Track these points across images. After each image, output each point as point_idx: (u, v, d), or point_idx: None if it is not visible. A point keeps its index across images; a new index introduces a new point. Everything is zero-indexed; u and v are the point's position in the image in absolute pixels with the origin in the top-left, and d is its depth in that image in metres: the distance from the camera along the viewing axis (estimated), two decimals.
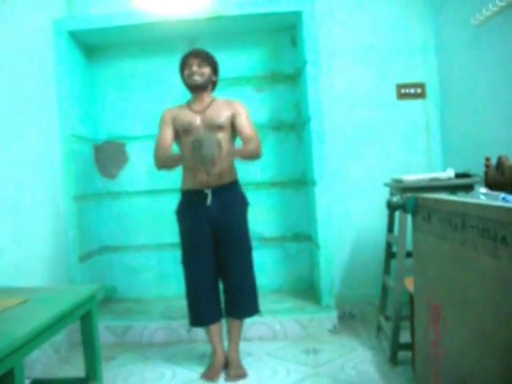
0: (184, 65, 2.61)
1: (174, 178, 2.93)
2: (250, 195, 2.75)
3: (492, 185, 2.23)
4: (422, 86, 3.33)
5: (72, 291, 2.00)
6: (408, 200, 1.90)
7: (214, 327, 2.63)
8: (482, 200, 1.62)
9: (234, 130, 2.58)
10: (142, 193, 3.64)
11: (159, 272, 3.64)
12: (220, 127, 2.52)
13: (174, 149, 2.63)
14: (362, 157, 3.36)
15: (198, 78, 2.55)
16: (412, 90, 3.33)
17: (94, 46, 3.58)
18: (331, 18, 3.34)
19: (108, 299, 3.60)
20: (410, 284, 2.27)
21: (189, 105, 2.63)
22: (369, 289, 3.30)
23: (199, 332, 2.97)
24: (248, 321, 2.78)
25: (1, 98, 2.51)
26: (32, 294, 1.88)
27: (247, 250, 2.63)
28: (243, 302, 2.61)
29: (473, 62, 2.78)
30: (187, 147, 2.49)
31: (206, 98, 2.62)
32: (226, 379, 2.53)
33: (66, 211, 3.14)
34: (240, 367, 2.59)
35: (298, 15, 3.20)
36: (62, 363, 2.84)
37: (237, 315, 2.63)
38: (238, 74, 3.56)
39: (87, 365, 1.96)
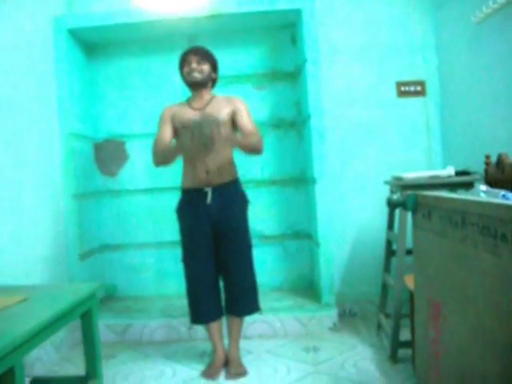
0: (183, 62, 2.60)
1: (174, 176, 2.94)
2: (250, 193, 2.75)
3: (492, 182, 2.23)
4: (421, 83, 3.33)
5: (72, 289, 2.00)
6: (408, 198, 1.90)
7: (214, 325, 2.63)
8: (482, 197, 1.62)
9: (234, 126, 2.57)
10: (142, 191, 3.64)
11: (159, 270, 3.64)
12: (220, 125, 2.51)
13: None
14: (362, 155, 3.36)
15: (197, 75, 2.54)
16: (412, 88, 3.33)
17: (93, 44, 3.57)
18: (331, 15, 3.34)
19: (108, 297, 3.60)
20: (410, 282, 2.27)
21: (188, 102, 2.63)
22: (369, 286, 3.30)
23: (199, 330, 2.97)
24: (248, 319, 2.78)
25: (0, 97, 2.50)
26: (32, 293, 1.88)
27: (247, 247, 2.63)
28: (243, 300, 2.61)
29: (473, 60, 2.78)
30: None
31: (206, 95, 2.61)
32: (226, 377, 2.53)
33: (65, 209, 3.13)
34: (240, 365, 2.60)
35: (297, 13, 3.20)
36: (63, 361, 2.84)
37: (237, 313, 2.63)
38: (237, 72, 3.56)
39: (87, 363, 1.96)
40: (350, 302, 3.35)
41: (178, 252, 2.72)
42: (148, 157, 2.58)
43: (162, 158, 2.54)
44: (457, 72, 3.04)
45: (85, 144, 3.47)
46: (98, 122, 3.66)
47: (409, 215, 2.19)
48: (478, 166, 2.47)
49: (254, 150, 2.51)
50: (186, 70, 2.57)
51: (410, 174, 2.55)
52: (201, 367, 2.66)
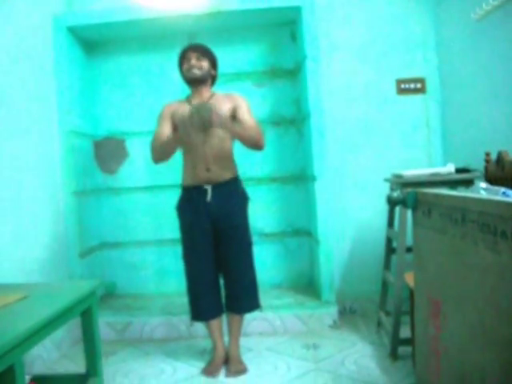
0: (183, 59, 2.60)
1: (174, 173, 2.94)
2: (250, 190, 2.74)
3: (492, 179, 2.23)
4: (421, 80, 3.32)
5: (72, 287, 2.00)
6: (408, 195, 1.89)
7: (214, 322, 2.63)
8: (482, 195, 1.62)
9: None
10: (142, 189, 3.63)
11: (159, 268, 3.64)
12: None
13: None
14: (362, 152, 3.35)
15: (196, 72, 2.53)
16: (412, 85, 3.32)
17: (93, 42, 3.57)
18: (331, 13, 3.33)
19: (108, 295, 3.61)
20: (410, 279, 2.27)
21: (188, 100, 2.62)
22: (369, 284, 3.30)
23: (199, 327, 2.97)
24: (248, 316, 2.78)
25: (0, 95, 2.50)
26: (32, 290, 1.88)
27: (247, 245, 2.63)
28: (243, 298, 2.61)
29: (473, 57, 2.78)
30: (186, 143, 2.51)
31: (206, 92, 2.60)
32: (227, 375, 2.53)
33: (65, 207, 3.13)
34: (240, 362, 2.60)
35: (297, 10, 3.19)
36: (63, 359, 2.84)
37: (237, 310, 2.63)
38: (237, 70, 3.55)
39: (87, 361, 1.96)
40: (350, 300, 3.35)
41: (178, 250, 2.72)
42: (148, 154, 2.57)
43: (160, 151, 2.50)
44: (457, 69, 3.04)
45: (84, 141, 3.47)
46: (97, 120, 3.65)
47: (409, 213, 2.19)
48: (478, 164, 2.47)
49: (254, 143, 2.48)
50: (185, 66, 2.56)
51: (410, 172, 2.55)
52: (201, 365, 2.66)
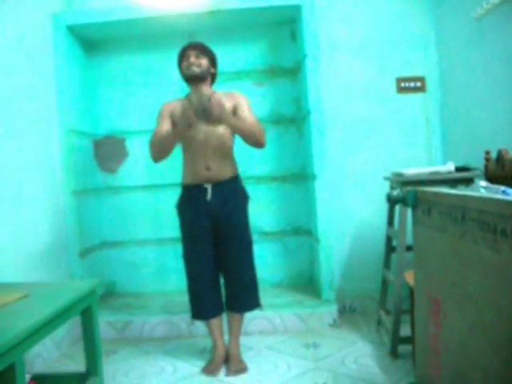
0: (182, 57, 2.59)
1: (174, 172, 2.94)
2: (251, 189, 2.74)
3: (492, 178, 2.23)
4: (421, 79, 3.32)
5: (72, 286, 2.00)
6: (408, 194, 1.89)
7: (214, 321, 2.63)
8: (482, 193, 1.62)
9: None
10: (142, 187, 3.64)
11: (159, 267, 3.64)
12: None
13: None
14: (362, 151, 3.35)
15: (195, 69, 2.52)
16: (412, 84, 3.32)
17: (93, 41, 3.57)
18: (331, 11, 3.32)
19: (108, 294, 3.61)
20: (410, 278, 2.27)
21: (188, 98, 2.61)
22: (369, 283, 3.30)
23: (200, 326, 2.97)
24: (248, 315, 2.79)
25: (0, 94, 2.50)
26: (32, 289, 1.88)
27: (248, 244, 2.63)
28: (244, 296, 2.61)
29: (473, 56, 2.77)
30: (187, 140, 2.50)
31: (205, 90, 2.60)
32: (227, 373, 2.53)
33: (65, 206, 3.13)
34: (240, 361, 2.60)
35: (297, 9, 3.19)
36: (64, 358, 2.84)
37: (237, 309, 2.63)
38: (237, 68, 3.55)
39: (88, 359, 1.96)
40: (349, 298, 3.35)
41: (178, 248, 2.73)
42: (148, 153, 2.56)
43: (159, 147, 2.47)
44: (457, 68, 3.03)
45: (84, 141, 3.47)
46: (97, 119, 3.65)
47: (409, 211, 2.19)
48: (478, 162, 2.47)
49: (256, 140, 2.47)
50: (184, 64, 2.55)
51: (410, 170, 2.55)
52: (201, 363, 2.66)
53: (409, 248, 2.42)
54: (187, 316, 2.77)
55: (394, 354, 2.55)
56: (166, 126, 2.52)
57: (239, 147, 2.65)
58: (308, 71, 3.15)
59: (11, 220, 2.51)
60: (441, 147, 3.32)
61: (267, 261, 3.54)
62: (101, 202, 3.65)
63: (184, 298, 2.75)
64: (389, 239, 2.93)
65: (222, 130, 2.51)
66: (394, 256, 2.78)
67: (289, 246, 3.60)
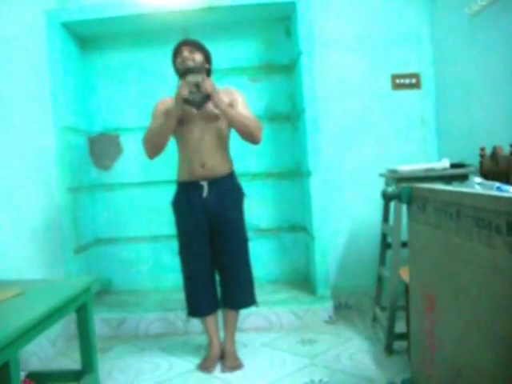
0: (176, 54, 2.58)
1: (169, 169, 2.93)
2: (246, 186, 2.74)
3: (487, 174, 2.24)
4: (416, 76, 3.32)
5: (67, 284, 2.00)
6: (403, 190, 1.89)
7: (210, 318, 2.63)
8: (477, 189, 1.62)
9: None
10: (137, 184, 3.63)
11: (154, 264, 3.64)
12: (216, 116, 2.49)
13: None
14: (357, 147, 3.35)
15: (189, 62, 2.49)
16: (407, 81, 3.32)
17: (87, 38, 3.55)
18: (326, 8, 3.32)
19: (103, 291, 3.60)
20: (405, 274, 2.27)
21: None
22: (364, 279, 3.31)
23: (195, 323, 2.97)
24: (244, 312, 2.78)
25: None
26: (27, 287, 1.88)
27: (243, 241, 2.62)
28: (239, 293, 2.61)
29: (468, 52, 2.78)
30: (182, 137, 2.49)
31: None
32: (222, 370, 2.54)
33: (60, 203, 3.12)
34: (236, 358, 2.60)
35: (292, 6, 3.18)
36: (59, 356, 2.84)
37: (233, 306, 2.63)
38: (232, 65, 3.55)
39: (83, 357, 1.96)
40: (345, 295, 3.36)
41: (173, 245, 2.72)
42: (142, 150, 2.55)
43: (153, 142, 2.48)
44: (452, 64, 3.04)
45: (79, 138, 3.46)
46: (92, 116, 3.64)
47: (404, 208, 2.19)
48: (472, 159, 2.48)
49: (251, 135, 2.47)
50: (178, 60, 2.54)
51: (405, 167, 2.55)
52: (197, 360, 2.66)
53: (404, 244, 2.43)
54: (183, 313, 2.77)
55: (389, 350, 2.56)
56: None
57: (234, 144, 2.65)
58: (303, 68, 3.15)
59: (6, 217, 2.50)
60: (436, 144, 3.33)
61: (263, 258, 3.54)
62: (96, 199, 3.64)
63: (179, 295, 2.75)
64: (384, 236, 2.93)
65: (217, 126, 2.50)
66: (389, 252, 2.78)
67: (284, 243, 3.60)
